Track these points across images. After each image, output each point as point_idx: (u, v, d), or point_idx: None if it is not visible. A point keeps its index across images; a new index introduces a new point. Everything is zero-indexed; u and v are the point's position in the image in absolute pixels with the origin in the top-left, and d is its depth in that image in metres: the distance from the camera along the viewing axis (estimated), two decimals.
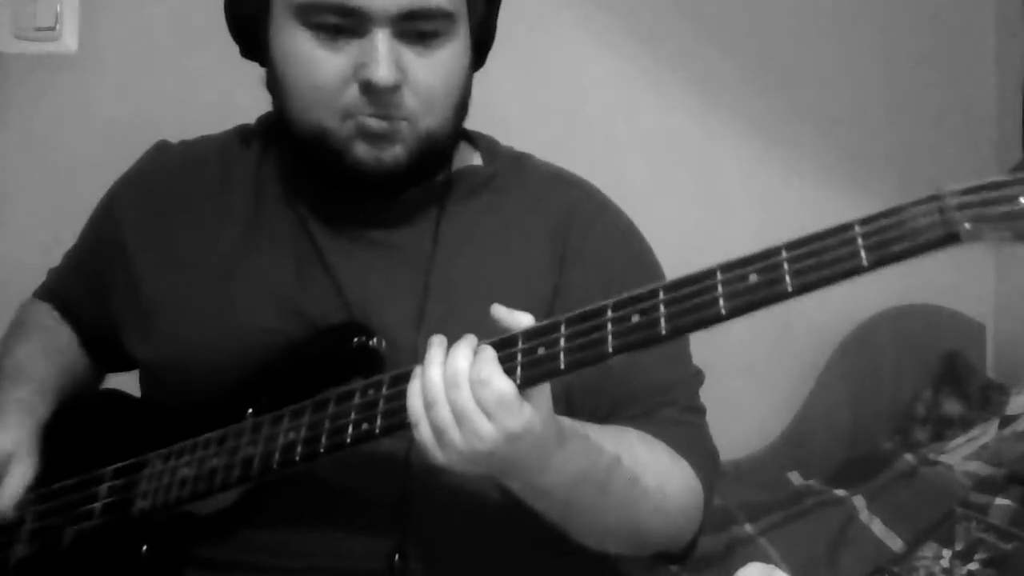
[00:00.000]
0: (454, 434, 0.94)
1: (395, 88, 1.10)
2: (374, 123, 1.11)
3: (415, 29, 1.10)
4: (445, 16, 1.11)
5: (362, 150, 1.12)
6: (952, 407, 2.18)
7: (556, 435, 0.98)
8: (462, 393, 0.94)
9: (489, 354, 0.95)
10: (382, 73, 1.09)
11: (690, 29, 2.24)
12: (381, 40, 1.09)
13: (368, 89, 1.10)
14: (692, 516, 1.14)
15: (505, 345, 0.96)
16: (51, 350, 1.32)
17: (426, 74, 1.12)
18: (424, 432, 0.95)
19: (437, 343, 0.98)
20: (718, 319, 0.88)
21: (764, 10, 2.28)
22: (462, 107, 1.17)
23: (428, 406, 0.95)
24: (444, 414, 0.94)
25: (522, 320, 0.97)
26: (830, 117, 2.30)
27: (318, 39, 1.11)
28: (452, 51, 1.13)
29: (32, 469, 1.20)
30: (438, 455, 0.95)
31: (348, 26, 1.10)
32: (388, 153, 1.12)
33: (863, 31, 2.31)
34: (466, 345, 0.96)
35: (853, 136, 2.31)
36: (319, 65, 1.11)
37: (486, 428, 0.94)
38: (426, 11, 1.10)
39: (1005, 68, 2.32)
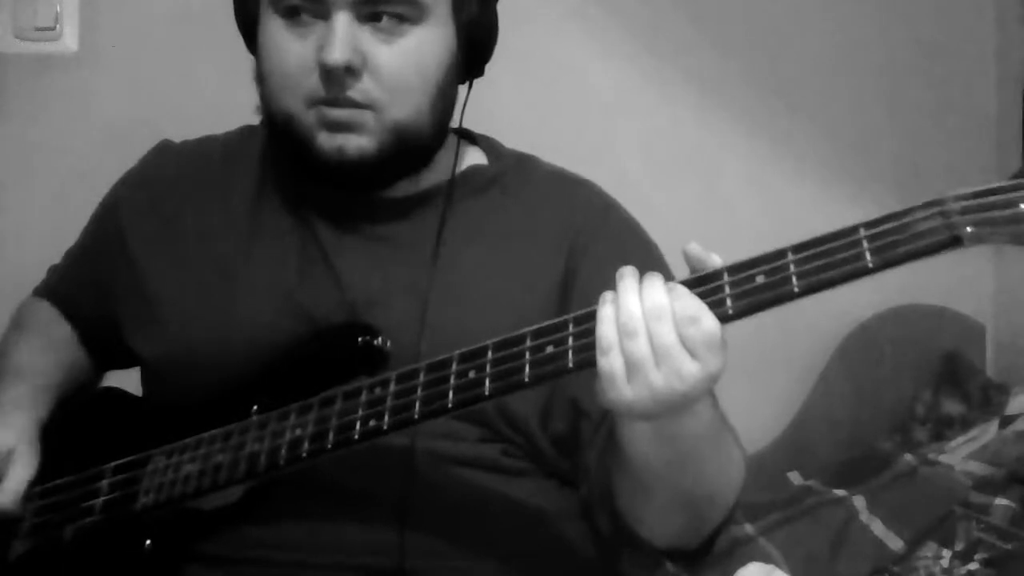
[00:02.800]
0: (650, 370, 0.89)
1: (351, 71, 1.09)
2: (333, 112, 1.11)
3: (377, 12, 1.10)
4: (409, 2, 1.11)
5: (324, 139, 1.12)
6: (952, 407, 2.17)
7: None
8: (665, 328, 0.89)
9: (686, 290, 0.91)
10: (335, 55, 1.08)
11: (690, 29, 2.24)
12: (339, 22, 1.09)
13: (325, 71, 1.09)
14: (732, 502, 1.12)
15: (698, 283, 0.92)
16: (50, 347, 1.32)
17: (389, 60, 1.11)
18: (615, 363, 0.91)
19: (630, 273, 0.93)
20: (725, 318, 0.91)
21: (764, 10, 2.28)
22: (439, 102, 1.16)
23: (625, 336, 0.90)
24: (643, 347, 0.90)
25: (716, 260, 0.93)
26: (830, 117, 2.30)
27: (287, 25, 1.12)
28: (420, 40, 1.12)
29: (34, 465, 1.20)
30: (624, 390, 0.91)
31: (311, 10, 1.10)
32: (352, 143, 1.12)
33: (863, 30, 2.31)
34: (660, 280, 0.92)
35: (853, 135, 2.31)
36: (286, 50, 1.12)
37: (689, 367, 0.90)
38: None
39: (1005, 68, 2.32)
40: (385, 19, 1.11)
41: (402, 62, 1.12)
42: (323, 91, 1.11)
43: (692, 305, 0.90)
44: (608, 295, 0.93)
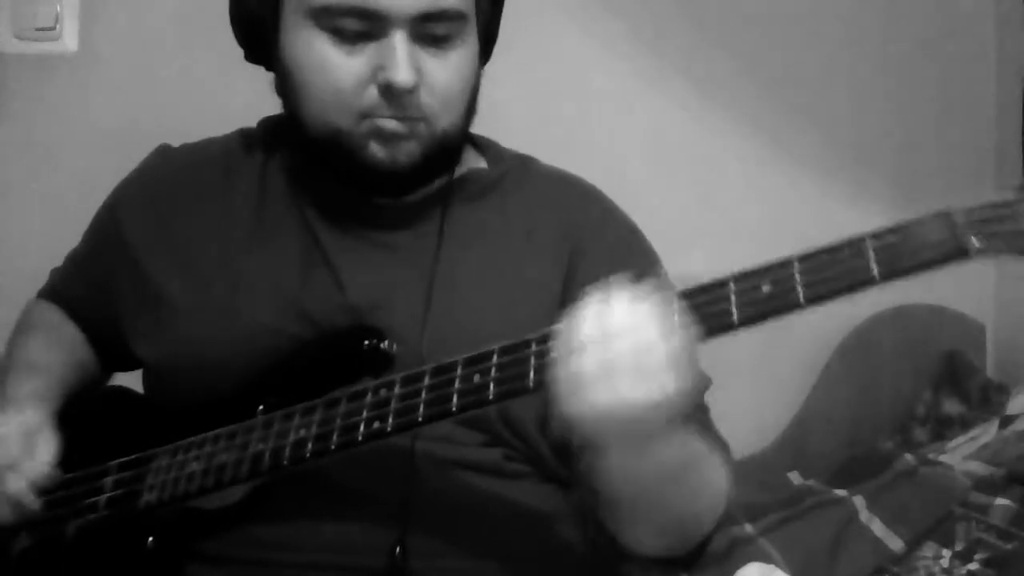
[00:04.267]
0: (626, 376, 0.89)
1: (413, 89, 1.10)
2: (391, 124, 1.12)
3: (430, 32, 1.11)
4: (459, 18, 1.12)
5: (376, 149, 1.13)
6: (952, 407, 2.18)
7: None
8: (624, 346, 0.89)
9: (648, 311, 0.91)
10: (402, 75, 1.09)
11: (691, 30, 2.24)
12: (400, 42, 1.10)
13: (388, 91, 1.10)
14: (719, 515, 1.13)
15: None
16: (60, 346, 1.33)
17: (442, 75, 1.13)
18: (589, 364, 0.90)
19: (596, 290, 0.93)
20: (731, 327, 0.91)
21: (764, 10, 2.28)
22: (473, 106, 1.19)
23: (605, 338, 0.90)
24: (623, 351, 0.90)
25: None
26: (830, 117, 2.30)
27: (334, 42, 1.12)
28: (465, 52, 1.14)
29: (55, 447, 1.20)
30: (598, 393, 0.90)
31: (366, 29, 1.11)
32: (403, 151, 1.13)
33: (863, 30, 2.32)
34: (625, 298, 0.92)
35: (853, 136, 2.31)
36: (337, 68, 1.11)
37: (667, 379, 0.90)
38: (442, 13, 1.11)
39: (1005, 68, 2.32)
40: (434, 36, 1.12)
41: (453, 77, 1.14)
42: (382, 107, 1.11)
43: (652, 326, 0.91)
44: (592, 299, 0.94)
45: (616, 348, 0.90)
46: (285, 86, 1.17)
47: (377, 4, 1.09)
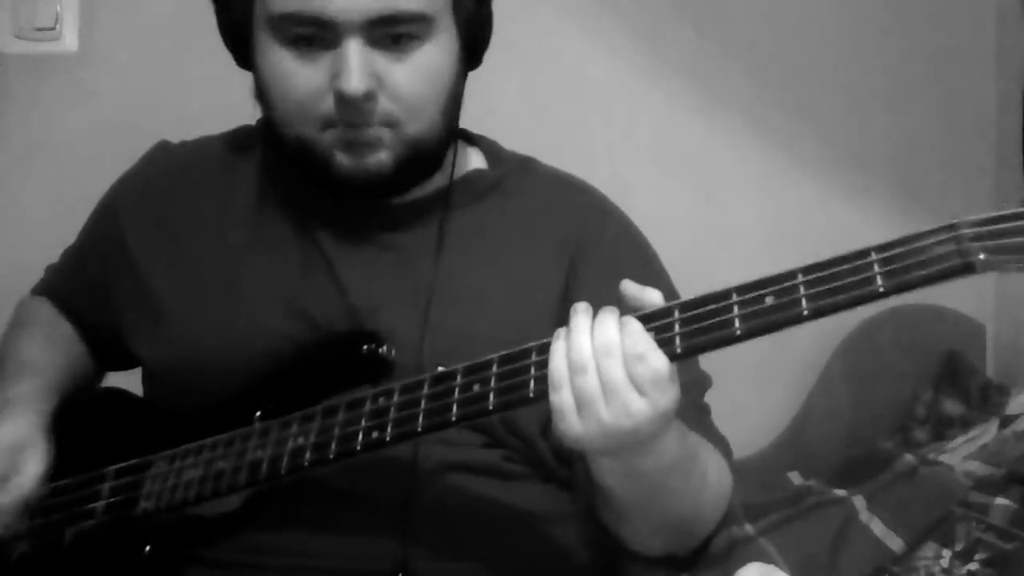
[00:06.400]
0: (600, 406, 0.91)
1: (369, 97, 1.09)
2: (351, 134, 1.10)
3: (388, 34, 1.09)
4: (419, 19, 1.10)
5: (343, 159, 1.12)
6: (952, 407, 2.17)
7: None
8: (614, 364, 0.91)
9: (638, 327, 0.92)
10: (352, 84, 1.07)
11: (691, 29, 2.24)
12: (352, 50, 1.08)
13: (342, 100, 1.09)
14: (721, 513, 1.14)
15: (649, 319, 0.93)
16: (53, 345, 1.32)
17: (404, 80, 1.10)
18: (565, 398, 0.93)
19: (583, 309, 0.95)
20: (734, 340, 0.90)
21: (765, 10, 2.28)
22: (450, 108, 1.16)
23: (575, 372, 0.92)
24: (593, 383, 0.91)
25: (653, 296, 0.94)
26: (831, 117, 2.30)
27: (293, 52, 1.10)
28: (432, 53, 1.12)
29: (47, 459, 1.20)
30: (575, 424, 0.92)
31: (320, 36, 1.09)
32: (372, 160, 1.12)
33: (863, 30, 2.31)
34: (613, 316, 0.93)
35: (854, 135, 2.31)
36: (295, 77, 1.10)
37: (637, 404, 0.91)
38: (396, 16, 1.08)
39: (1005, 68, 2.32)
40: (396, 40, 1.10)
41: (417, 79, 1.11)
42: (340, 116, 1.10)
43: (641, 342, 0.91)
44: (561, 331, 0.95)
45: (587, 378, 0.92)
46: (259, 93, 1.17)
47: (324, 11, 1.07)
